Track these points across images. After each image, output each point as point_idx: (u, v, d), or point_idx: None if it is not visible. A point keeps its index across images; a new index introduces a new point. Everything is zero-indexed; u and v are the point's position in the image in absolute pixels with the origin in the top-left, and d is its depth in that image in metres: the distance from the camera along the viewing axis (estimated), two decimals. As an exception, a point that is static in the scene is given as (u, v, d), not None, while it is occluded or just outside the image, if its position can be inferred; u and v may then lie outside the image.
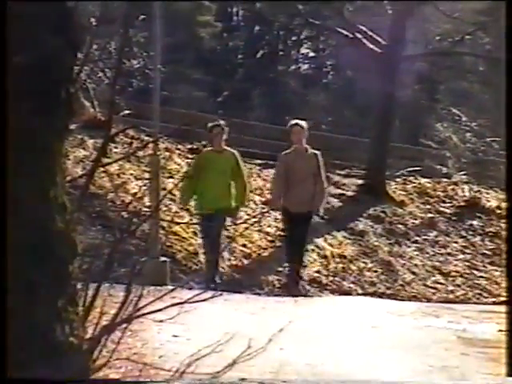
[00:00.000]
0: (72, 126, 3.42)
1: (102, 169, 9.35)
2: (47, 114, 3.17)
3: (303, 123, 10.90)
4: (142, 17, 14.13)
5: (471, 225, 15.14)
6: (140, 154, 12.74)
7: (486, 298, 12.83)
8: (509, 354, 4.84)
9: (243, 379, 3.55)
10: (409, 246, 13.93)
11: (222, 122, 10.61)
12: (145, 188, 11.03)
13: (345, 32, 16.54)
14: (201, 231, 10.65)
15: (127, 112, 13.50)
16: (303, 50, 29.88)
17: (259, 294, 9.92)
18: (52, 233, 3.15)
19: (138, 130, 13.76)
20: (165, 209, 11.53)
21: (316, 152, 10.87)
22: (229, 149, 10.61)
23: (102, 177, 11.83)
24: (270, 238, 12.44)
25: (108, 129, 3.70)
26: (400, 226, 14.42)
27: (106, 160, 3.74)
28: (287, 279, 10.97)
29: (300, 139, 10.81)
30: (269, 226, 12.56)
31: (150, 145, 10.96)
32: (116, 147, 13.34)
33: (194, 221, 10.98)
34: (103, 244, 3.86)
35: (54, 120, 3.20)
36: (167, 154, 13.56)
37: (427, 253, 13.92)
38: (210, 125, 10.64)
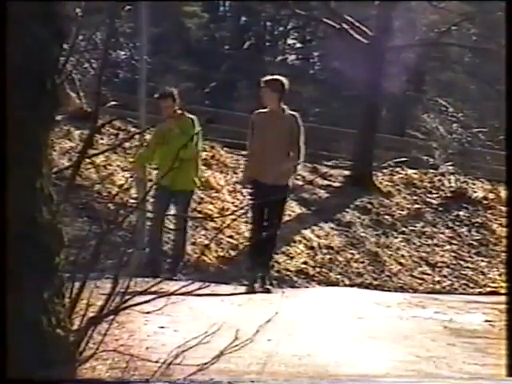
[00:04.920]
0: (58, 117, 3.40)
1: (88, 160, 9.32)
2: (33, 105, 3.15)
3: (282, 79, 9.11)
4: (128, 7, 14.07)
5: (458, 215, 15.19)
6: (126, 145, 12.71)
7: (472, 288, 12.88)
8: (509, 354, 4.85)
9: (211, 379, 3.56)
10: (396, 237, 13.96)
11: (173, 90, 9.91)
12: (131, 179, 10.99)
13: (331, 23, 16.53)
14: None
15: (113, 103, 13.44)
16: (290, 41, 29.85)
17: (246, 286, 9.90)
18: (38, 224, 3.14)
19: (124, 121, 13.72)
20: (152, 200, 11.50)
21: (294, 113, 9.12)
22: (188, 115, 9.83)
23: (89, 168, 11.79)
24: (257, 229, 12.43)
25: (94, 120, 3.69)
26: (387, 216, 14.45)
27: (92, 151, 3.73)
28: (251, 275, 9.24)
29: (277, 98, 9.00)
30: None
31: (137, 136, 10.93)
32: (102, 138, 13.30)
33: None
34: (90, 235, 3.85)
35: (40, 111, 3.18)
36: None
37: (414, 244, 13.95)
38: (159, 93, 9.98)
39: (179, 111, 9.82)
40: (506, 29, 5.50)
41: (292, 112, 9.14)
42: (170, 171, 4.42)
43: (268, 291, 9.00)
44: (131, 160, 11.25)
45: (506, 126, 5.25)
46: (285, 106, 9.13)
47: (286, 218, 13.23)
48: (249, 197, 9.69)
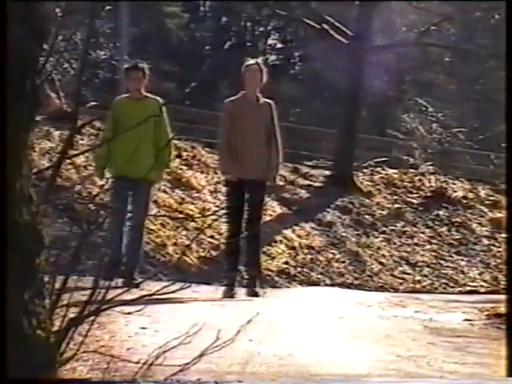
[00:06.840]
0: (38, 118, 3.39)
1: (68, 161, 9.27)
2: (13, 105, 3.14)
3: (262, 63, 8.72)
4: (109, 7, 14.04)
5: (438, 215, 15.27)
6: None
7: (452, 287, 12.95)
8: (509, 353, 4.86)
9: (199, 379, 3.55)
10: (376, 237, 14.01)
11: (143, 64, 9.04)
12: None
13: (312, 23, 16.57)
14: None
15: (93, 103, 13.39)
16: (271, 41, 29.92)
17: (225, 289, 9.90)
18: (18, 225, 3.13)
19: (104, 122, 13.67)
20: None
21: (269, 101, 8.53)
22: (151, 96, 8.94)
23: (69, 169, 11.76)
24: (238, 230, 12.44)
25: (74, 120, 3.67)
26: (367, 216, 14.50)
27: (72, 152, 3.71)
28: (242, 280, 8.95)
29: (255, 84, 8.48)
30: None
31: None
32: (82, 139, 13.26)
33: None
34: (70, 236, 3.84)
35: (20, 111, 3.17)
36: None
37: (394, 243, 14.01)
38: (126, 66, 9.34)
39: (143, 90, 9.01)
40: (507, 29, 5.52)
41: (267, 100, 8.55)
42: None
43: (256, 294, 8.46)
44: (92, 163, 10.19)
45: (506, 128, 5.27)
46: (259, 94, 8.55)
47: (267, 218, 13.25)
48: (225, 193, 8.99)
